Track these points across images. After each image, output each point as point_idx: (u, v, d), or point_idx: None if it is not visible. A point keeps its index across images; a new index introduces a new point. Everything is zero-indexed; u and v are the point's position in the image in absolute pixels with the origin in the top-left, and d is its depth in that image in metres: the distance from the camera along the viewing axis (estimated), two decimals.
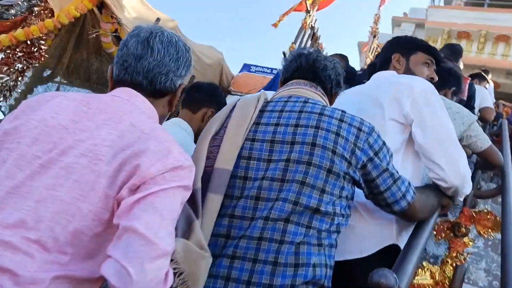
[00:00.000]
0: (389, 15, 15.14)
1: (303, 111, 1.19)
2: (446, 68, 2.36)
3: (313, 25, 4.52)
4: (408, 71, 1.71)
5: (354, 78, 3.98)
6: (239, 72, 9.01)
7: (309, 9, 4.38)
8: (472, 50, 11.57)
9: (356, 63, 16.03)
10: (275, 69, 8.57)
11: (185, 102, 1.88)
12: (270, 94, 1.45)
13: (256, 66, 8.97)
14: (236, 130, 1.18)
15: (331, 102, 1.40)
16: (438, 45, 11.96)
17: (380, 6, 6.61)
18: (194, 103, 1.85)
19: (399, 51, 1.74)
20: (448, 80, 2.48)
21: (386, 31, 13.97)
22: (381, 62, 1.80)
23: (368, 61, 6.43)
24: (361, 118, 1.21)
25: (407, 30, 14.53)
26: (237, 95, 4.11)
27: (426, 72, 1.73)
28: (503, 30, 11.09)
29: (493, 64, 10.83)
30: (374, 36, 6.42)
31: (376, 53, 7.06)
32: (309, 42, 4.58)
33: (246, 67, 9.02)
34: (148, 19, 2.70)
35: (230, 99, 4.28)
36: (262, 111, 1.22)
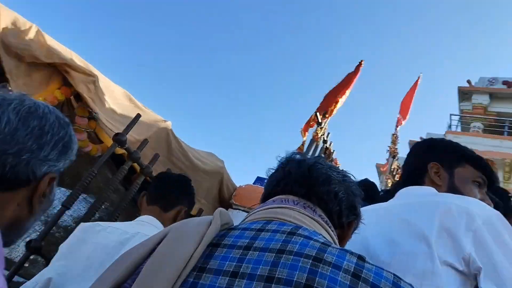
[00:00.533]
0: (405, 138, 15.17)
1: (284, 250, 0.65)
2: (499, 190, 1.71)
3: (325, 138, 4.16)
4: (453, 189, 1.19)
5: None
6: (253, 182, 8.68)
7: (320, 121, 4.07)
8: (499, 180, 11.05)
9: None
10: None
11: (154, 197, 1.58)
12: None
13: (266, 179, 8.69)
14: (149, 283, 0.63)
15: (342, 238, 0.88)
16: None
17: (397, 126, 6.37)
18: (165, 199, 1.57)
19: (438, 160, 1.24)
20: (506, 205, 1.86)
21: (402, 155, 13.85)
22: (410, 172, 1.30)
23: (389, 183, 5.96)
24: (394, 276, 0.65)
25: None
26: (239, 209, 3.58)
27: (478, 195, 1.20)
28: None
29: None
30: (394, 157, 6.05)
31: (397, 174, 6.65)
32: (321, 155, 4.16)
33: (259, 181, 8.66)
34: (132, 116, 2.34)
35: (231, 215, 3.76)
36: (215, 246, 0.70)
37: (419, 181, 1.24)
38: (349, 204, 0.87)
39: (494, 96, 12.93)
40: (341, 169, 0.98)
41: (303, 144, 4.16)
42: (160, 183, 1.64)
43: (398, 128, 6.39)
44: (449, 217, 0.99)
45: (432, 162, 1.24)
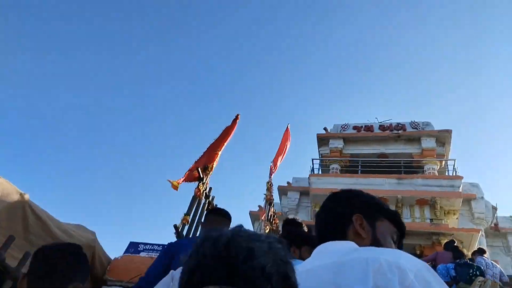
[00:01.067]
0: (274, 184, 15.83)
1: None
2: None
3: (207, 193, 3.97)
4: (376, 242, 1.12)
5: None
6: (124, 252, 7.79)
7: (201, 176, 3.89)
8: None
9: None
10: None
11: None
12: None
13: (146, 244, 7.86)
14: None
15: None
16: None
17: (270, 174, 6.56)
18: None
19: (361, 212, 1.16)
20: None
21: (276, 200, 14.38)
22: (329, 225, 1.19)
23: (267, 229, 5.98)
24: None
25: (293, 197, 15.18)
26: (115, 285, 3.09)
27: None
28: (379, 193, 12.06)
29: None
30: (270, 204, 6.14)
31: (274, 220, 6.76)
32: (204, 212, 3.95)
33: (133, 246, 7.86)
34: None
35: None
36: None
37: (340, 235, 1.14)
38: (281, 277, 0.70)
39: (346, 140, 14.51)
40: (264, 234, 0.81)
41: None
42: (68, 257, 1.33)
43: (272, 176, 6.58)
44: (381, 274, 0.89)
45: (356, 214, 1.16)
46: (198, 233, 3.86)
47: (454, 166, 12.96)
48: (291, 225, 3.11)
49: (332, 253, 1.06)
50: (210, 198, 4.04)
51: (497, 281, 6.16)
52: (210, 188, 4.06)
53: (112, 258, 3.32)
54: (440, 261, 7.10)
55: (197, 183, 3.88)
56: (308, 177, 13.10)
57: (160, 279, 2.93)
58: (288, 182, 15.41)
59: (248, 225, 16.55)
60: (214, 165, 4.14)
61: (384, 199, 12.06)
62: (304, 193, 14.99)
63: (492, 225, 14.20)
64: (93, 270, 3.03)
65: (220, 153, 4.30)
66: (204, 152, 4.32)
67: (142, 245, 7.87)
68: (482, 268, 6.20)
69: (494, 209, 14.64)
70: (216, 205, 4.20)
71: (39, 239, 2.49)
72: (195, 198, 3.75)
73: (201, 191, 3.79)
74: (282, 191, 14.88)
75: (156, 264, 2.87)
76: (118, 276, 3.08)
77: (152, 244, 7.86)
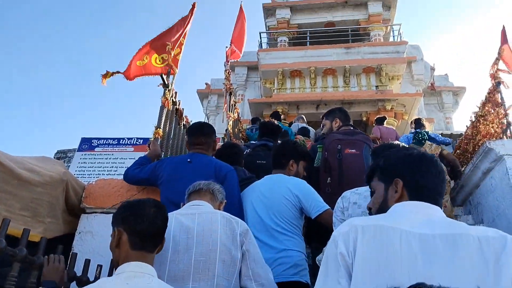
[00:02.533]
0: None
1: None
2: None
3: (174, 100, 3.64)
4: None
5: None
6: (78, 150, 7.39)
7: (166, 82, 3.50)
8: (306, 86, 12.26)
9: (199, 112, 15.70)
10: (129, 138, 7.26)
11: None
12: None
13: (99, 139, 7.48)
14: None
15: None
16: (276, 86, 12.39)
17: (227, 60, 6.14)
18: None
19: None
20: None
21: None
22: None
23: (231, 120, 5.84)
24: None
25: (241, 73, 14.88)
26: (95, 212, 2.91)
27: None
28: (327, 64, 12.07)
29: (328, 97, 11.62)
30: (230, 94, 5.88)
31: (236, 109, 6.58)
32: (174, 120, 3.68)
33: (86, 143, 7.45)
34: None
35: (85, 221, 3.05)
36: None
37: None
38: None
39: (293, 9, 13.81)
40: None
41: None
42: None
43: (228, 62, 6.17)
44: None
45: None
46: (175, 146, 3.64)
47: (399, 30, 13.01)
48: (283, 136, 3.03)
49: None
50: (178, 105, 3.72)
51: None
52: (176, 93, 3.71)
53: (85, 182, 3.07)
54: (386, 136, 7.55)
55: (162, 89, 3.50)
56: (257, 53, 12.66)
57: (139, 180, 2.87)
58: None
59: (197, 103, 16.32)
60: (176, 69, 3.73)
61: (332, 70, 12.15)
62: (252, 68, 14.70)
63: (429, 84, 15.02)
64: (68, 201, 2.79)
65: (180, 51, 3.84)
66: (150, 42, 3.82)
67: (96, 140, 7.51)
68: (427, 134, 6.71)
69: (432, 69, 15.35)
70: (183, 109, 3.91)
71: (7, 185, 2.18)
72: (163, 107, 3.42)
73: (168, 99, 3.45)
74: (231, 67, 14.47)
75: (146, 170, 2.83)
76: (96, 202, 2.88)
77: (107, 139, 7.51)
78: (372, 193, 1.43)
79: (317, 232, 2.69)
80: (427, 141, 6.12)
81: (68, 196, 2.77)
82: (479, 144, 5.74)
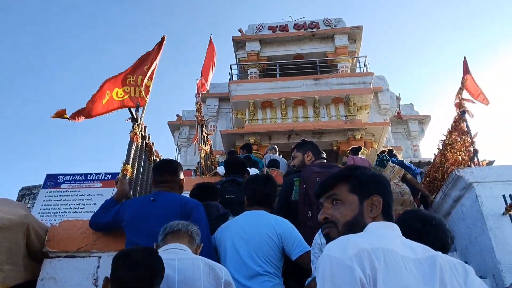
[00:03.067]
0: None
1: None
2: None
3: (143, 134, 3.55)
4: None
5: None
6: (43, 187, 7.04)
7: (135, 116, 3.41)
8: (278, 117, 12.36)
9: (170, 144, 15.48)
10: (97, 173, 6.97)
11: None
12: None
13: (65, 175, 7.16)
14: None
15: None
16: (247, 116, 12.43)
17: (198, 93, 6.11)
18: None
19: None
20: None
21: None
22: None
23: (203, 153, 5.75)
24: None
25: (212, 104, 14.90)
26: (59, 257, 2.72)
27: None
28: (297, 95, 12.26)
29: (299, 127, 11.73)
30: (202, 126, 5.82)
31: (208, 141, 6.51)
32: (143, 156, 3.57)
33: (51, 179, 7.11)
34: None
35: (48, 266, 2.83)
36: None
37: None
38: None
39: (263, 42, 14.09)
40: None
41: None
42: None
43: (199, 95, 6.14)
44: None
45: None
46: (145, 183, 3.51)
47: (365, 62, 13.43)
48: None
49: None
50: (147, 139, 3.62)
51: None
52: (145, 127, 3.62)
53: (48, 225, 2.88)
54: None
55: (131, 123, 3.40)
56: (228, 84, 12.74)
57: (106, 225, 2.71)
58: (208, 90, 14.97)
59: (168, 135, 16.13)
60: (147, 99, 3.65)
61: (302, 101, 12.34)
62: (223, 99, 14.77)
63: (395, 113, 15.47)
64: (30, 245, 2.60)
65: (151, 83, 3.77)
66: (110, 78, 3.68)
67: (62, 176, 7.18)
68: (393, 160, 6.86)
69: (398, 99, 15.88)
70: (153, 143, 3.81)
71: None
72: (131, 142, 3.31)
73: (137, 133, 3.35)
74: (203, 99, 14.51)
75: (108, 216, 2.68)
76: (60, 246, 2.69)
77: (73, 174, 7.20)
78: (332, 201, 1.31)
79: (294, 272, 2.59)
80: (389, 162, 6.24)
81: (30, 240, 2.58)
82: (448, 172, 5.86)
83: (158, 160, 3.88)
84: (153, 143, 3.79)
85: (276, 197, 2.88)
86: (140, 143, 3.46)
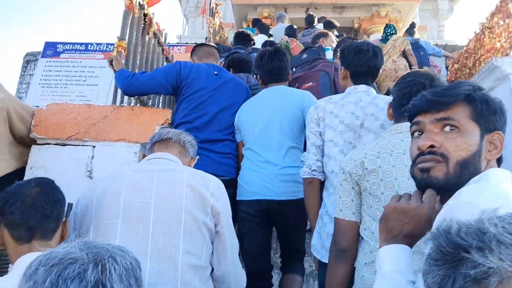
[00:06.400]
0: None
1: None
2: None
3: (140, 2, 3.00)
4: None
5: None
6: (42, 56, 6.62)
7: None
8: None
9: (178, 13, 14.39)
10: (98, 43, 6.48)
11: None
12: None
13: (65, 43, 6.66)
14: None
15: None
16: None
17: None
18: None
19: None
20: None
21: None
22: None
23: (211, 26, 5.14)
24: None
25: None
26: (48, 143, 2.46)
27: None
28: None
29: (319, 0, 10.64)
30: None
31: (217, 14, 5.79)
32: (141, 29, 3.07)
33: (50, 48, 6.65)
34: None
35: (36, 154, 2.57)
36: None
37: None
38: None
39: None
40: None
41: None
42: None
43: None
44: None
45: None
46: (145, 61, 3.07)
47: None
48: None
49: None
50: (145, 9, 3.07)
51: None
52: None
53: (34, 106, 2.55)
54: None
55: None
56: None
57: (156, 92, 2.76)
58: None
59: (176, 3, 14.99)
60: None
61: None
62: None
63: None
64: (15, 131, 2.31)
65: None
66: None
67: (61, 45, 6.71)
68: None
69: None
70: (153, 14, 3.26)
71: None
72: (127, 12, 2.79)
73: (133, 1, 2.81)
74: None
75: (164, 76, 2.61)
76: (49, 132, 2.40)
77: (73, 43, 6.72)
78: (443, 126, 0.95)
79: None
80: (392, 35, 5.85)
81: (13, 125, 2.27)
82: (480, 60, 5.36)
83: (159, 33, 3.38)
84: (153, 13, 3.24)
85: (288, 68, 2.74)
86: (137, 14, 2.92)
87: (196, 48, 3.01)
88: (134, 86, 2.53)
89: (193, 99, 2.54)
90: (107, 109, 2.44)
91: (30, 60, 13.25)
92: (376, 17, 10.38)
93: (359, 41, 2.34)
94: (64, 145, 2.40)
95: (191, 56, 3.03)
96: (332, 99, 2.06)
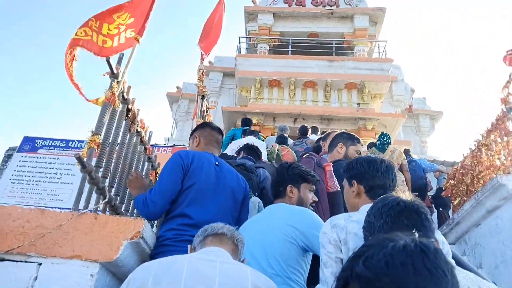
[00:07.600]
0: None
1: None
2: None
3: (124, 96, 2.70)
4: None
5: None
6: (18, 150, 6.23)
7: (115, 71, 2.56)
8: (285, 98, 11.47)
9: (167, 116, 14.55)
10: (79, 141, 6.15)
11: None
12: None
13: (44, 139, 6.33)
14: None
15: None
16: (252, 95, 11.53)
17: (202, 59, 5.22)
18: None
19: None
20: None
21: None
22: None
23: None
24: None
25: (215, 79, 13.96)
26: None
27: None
28: (309, 77, 11.34)
29: (307, 111, 10.87)
30: (203, 97, 4.96)
31: (208, 116, 5.65)
32: (122, 125, 2.73)
33: (28, 142, 6.29)
34: None
35: None
36: None
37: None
38: None
39: (276, 15, 13.04)
40: None
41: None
42: None
43: (203, 62, 5.27)
44: None
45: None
46: (124, 162, 2.67)
47: (385, 47, 12.47)
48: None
49: None
50: (130, 104, 2.76)
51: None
52: (129, 87, 2.76)
53: None
54: None
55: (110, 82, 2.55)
56: (235, 58, 11.80)
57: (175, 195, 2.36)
58: (210, 62, 14.01)
59: (166, 107, 15.25)
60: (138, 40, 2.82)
61: (312, 83, 11.43)
62: (228, 74, 13.81)
63: (407, 106, 14.61)
64: None
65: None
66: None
67: (40, 141, 6.36)
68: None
69: (412, 91, 14.98)
70: (138, 110, 2.96)
71: None
72: (107, 105, 2.46)
73: (116, 94, 2.50)
74: (205, 72, 13.56)
75: (171, 179, 2.34)
76: None
77: (53, 139, 6.37)
78: None
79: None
80: (389, 146, 6.03)
81: None
82: (479, 177, 5.18)
83: (143, 131, 3.04)
84: (138, 109, 2.93)
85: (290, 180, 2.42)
86: (119, 108, 2.60)
87: (206, 129, 2.76)
88: (152, 213, 2.32)
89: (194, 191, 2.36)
90: (64, 216, 1.94)
91: (11, 154, 12.81)
92: (362, 130, 10.53)
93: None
94: (3, 260, 1.85)
95: (194, 130, 2.83)
96: (352, 218, 1.69)
